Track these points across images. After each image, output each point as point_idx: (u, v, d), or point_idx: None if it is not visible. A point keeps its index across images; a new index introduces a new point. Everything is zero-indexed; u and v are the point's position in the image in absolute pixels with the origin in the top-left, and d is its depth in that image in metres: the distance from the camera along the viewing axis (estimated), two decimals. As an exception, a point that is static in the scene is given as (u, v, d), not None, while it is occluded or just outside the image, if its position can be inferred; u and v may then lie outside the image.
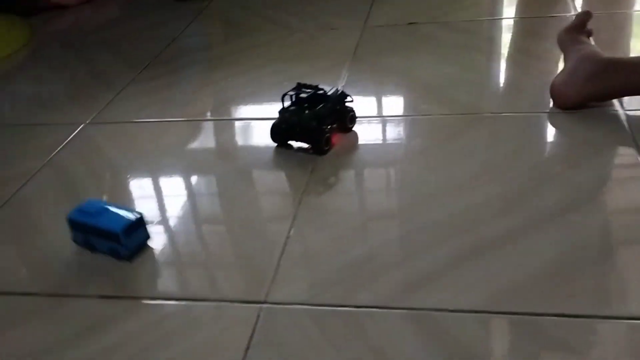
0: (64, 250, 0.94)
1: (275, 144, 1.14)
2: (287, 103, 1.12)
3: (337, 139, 1.12)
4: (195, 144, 1.20)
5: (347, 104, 1.13)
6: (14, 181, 1.14)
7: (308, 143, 1.11)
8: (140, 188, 1.09)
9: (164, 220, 0.99)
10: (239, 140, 1.19)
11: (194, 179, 1.09)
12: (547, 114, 1.12)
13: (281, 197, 1.01)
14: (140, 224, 0.91)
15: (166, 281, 0.86)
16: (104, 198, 1.06)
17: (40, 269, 0.91)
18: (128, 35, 1.81)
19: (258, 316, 0.77)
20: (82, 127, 1.31)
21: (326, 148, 1.09)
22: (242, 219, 0.96)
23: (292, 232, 0.91)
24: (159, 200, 1.05)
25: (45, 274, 0.90)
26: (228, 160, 1.13)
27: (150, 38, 1.76)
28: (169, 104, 1.37)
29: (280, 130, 1.12)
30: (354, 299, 0.78)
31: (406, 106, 1.22)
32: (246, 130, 1.22)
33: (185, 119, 1.29)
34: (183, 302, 0.81)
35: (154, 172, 1.12)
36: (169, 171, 1.12)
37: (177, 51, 1.66)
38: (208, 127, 1.26)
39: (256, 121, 1.24)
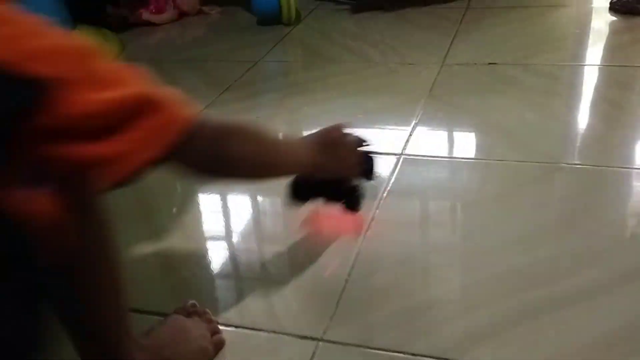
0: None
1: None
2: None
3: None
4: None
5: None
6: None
7: None
8: (208, 207, 1.12)
9: (226, 238, 1.01)
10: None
11: (261, 200, 1.12)
12: (628, 170, 1.09)
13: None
14: None
15: (227, 307, 0.88)
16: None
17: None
18: (213, 56, 1.88)
19: (314, 353, 0.78)
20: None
21: None
22: (305, 253, 0.97)
23: (353, 270, 0.91)
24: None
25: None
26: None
27: (233, 60, 1.81)
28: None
29: None
30: (410, 346, 0.77)
31: (480, 149, 1.21)
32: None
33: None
34: (242, 330, 0.83)
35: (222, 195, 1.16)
36: (236, 192, 1.15)
37: (257, 75, 1.70)
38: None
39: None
